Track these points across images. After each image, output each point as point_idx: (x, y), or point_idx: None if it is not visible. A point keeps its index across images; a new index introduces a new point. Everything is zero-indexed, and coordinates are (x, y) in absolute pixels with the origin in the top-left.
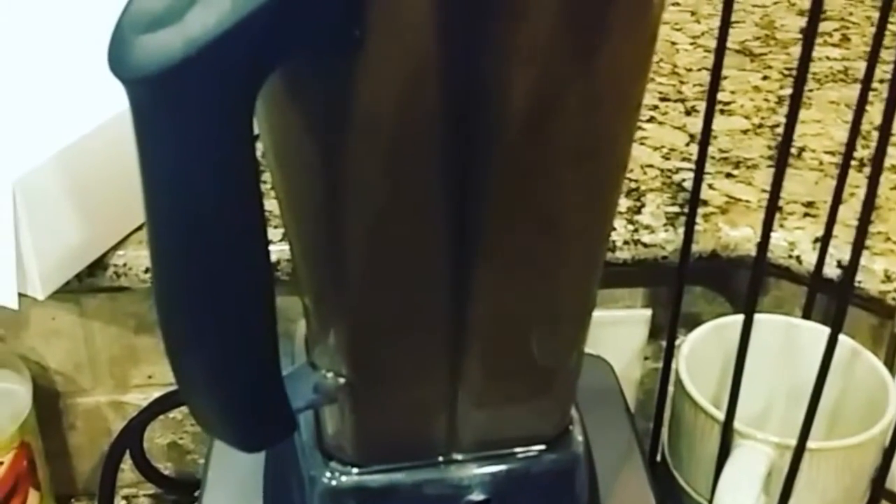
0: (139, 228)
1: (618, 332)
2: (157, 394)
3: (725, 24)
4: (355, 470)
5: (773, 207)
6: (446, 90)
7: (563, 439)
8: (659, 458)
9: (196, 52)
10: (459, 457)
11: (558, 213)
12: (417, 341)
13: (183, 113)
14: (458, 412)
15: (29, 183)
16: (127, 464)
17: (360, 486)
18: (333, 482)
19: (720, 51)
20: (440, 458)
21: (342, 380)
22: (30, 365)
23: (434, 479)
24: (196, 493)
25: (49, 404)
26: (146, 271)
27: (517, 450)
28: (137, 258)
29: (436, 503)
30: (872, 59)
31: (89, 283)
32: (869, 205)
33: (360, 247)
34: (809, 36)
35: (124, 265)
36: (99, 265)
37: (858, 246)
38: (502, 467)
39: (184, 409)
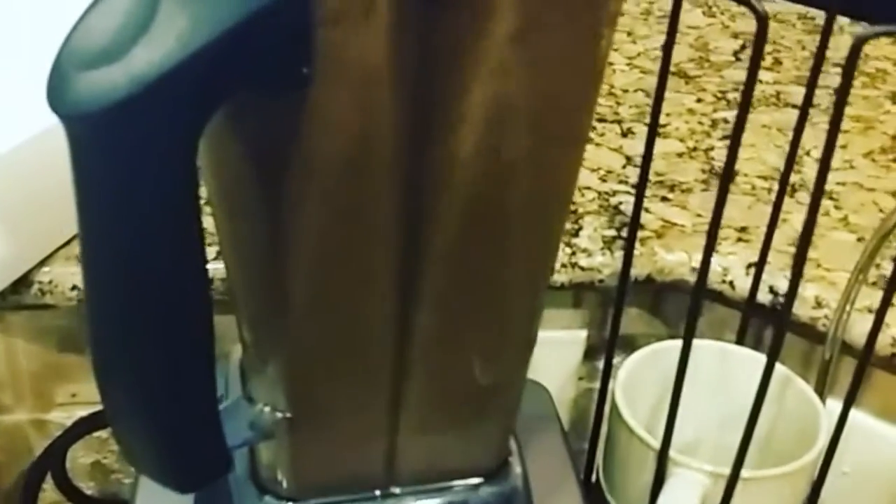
0: (65, 245)
1: (553, 352)
2: (81, 412)
3: (668, 50)
4: None
5: (711, 241)
6: (395, 130)
7: (501, 471)
8: (594, 478)
9: (141, 90)
10: (397, 490)
11: (503, 251)
12: (358, 375)
13: (124, 151)
14: (398, 445)
15: None
16: (49, 483)
17: None
18: None
19: (661, 83)
20: (378, 493)
21: (279, 414)
22: None
23: None
24: None
25: None
26: (73, 289)
27: (456, 483)
28: (63, 275)
29: None
30: (811, 85)
31: (13, 300)
32: (807, 234)
33: (302, 284)
34: (750, 78)
35: (50, 282)
36: (23, 282)
37: (796, 276)
38: (441, 500)
39: (108, 429)
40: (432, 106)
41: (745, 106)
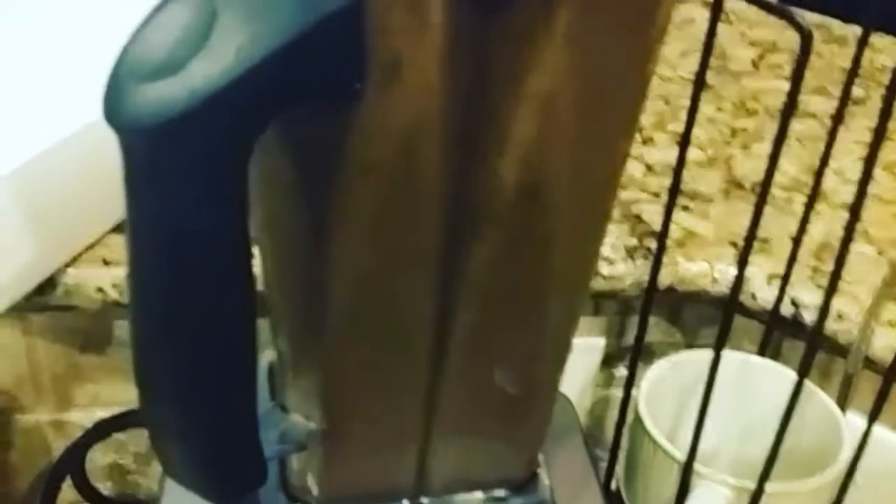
0: (90, 247)
1: (571, 359)
2: (101, 413)
3: (703, 70)
4: None
5: (745, 256)
6: (444, 146)
7: (530, 483)
8: (614, 486)
9: (199, 104)
10: (426, 501)
11: (543, 268)
12: (394, 387)
13: (180, 164)
14: (429, 455)
15: None
16: (67, 483)
17: None
18: None
19: (695, 101)
20: (407, 502)
21: (313, 425)
22: None
23: None
24: None
25: None
26: (98, 291)
27: (485, 494)
28: (89, 277)
29: None
30: (843, 101)
31: (38, 301)
32: (843, 253)
33: (343, 299)
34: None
35: (75, 284)
36: (48, 283)
37: (830, 293)
38: None
39: (127, 431)
40: (483, 121)
41: (784, 124)
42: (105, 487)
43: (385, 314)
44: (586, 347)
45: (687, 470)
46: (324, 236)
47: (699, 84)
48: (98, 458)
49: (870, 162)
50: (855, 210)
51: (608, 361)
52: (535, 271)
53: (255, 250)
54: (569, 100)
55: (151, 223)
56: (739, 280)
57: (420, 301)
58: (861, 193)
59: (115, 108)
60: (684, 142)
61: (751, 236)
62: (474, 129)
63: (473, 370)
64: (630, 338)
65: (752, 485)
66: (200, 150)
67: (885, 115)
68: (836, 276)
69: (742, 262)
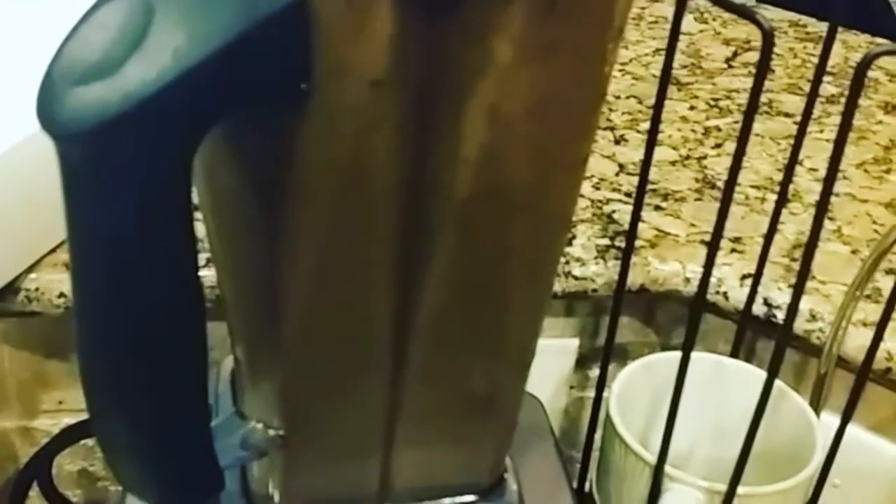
0: (52, 252)
1: (545, 361)
2: (67, 419)
3: (668, 62)
4: None
5: (712, 256)
6: (394, 147)
7: (497, 488)
8: (587, 488)
9: (134, 108)
10: None
11: (503, 274)
12: (354, 393)
13: (117, 170)
14: (393, 462)
15: None
16: (35, 491)
17: None
18: None
19: (661, 96)
20: None
21: (273, 431)
22: None
23: None
24: None
25: None
26: (59, 296)
27: (451, 500)
28: (50, 282)
29: None
30: (811, 98)
31: (1, 306)
32: (810, 251)
33: (297, 304)
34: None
35: (37, 289)
36: (10, 289)
37: (797, 294)
38: None
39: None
40: (434, 123)
41: (748, 123)
42: (74, 495)
43: (341, 319)
44: (560, 349)
45: (658, 472)
46: (274, 242)
47: (664, 81)
48: (67, 464)
49: (835, 159)
50: (821, 207)
51: (582, 363)
52: (493, 275)
53: (204, 255)
54: (523, 101)
55: (90, 230)
56: (706, 279)
57: (377, 306)
58: (827, 191)
59: (48, 112)
60: (651, 140)
61: (717, 236)
62: (426, 131)
63: (435, 376)
64: (603, 339)
65: (723, 487)
66: (137, 155)
67: (848, 111)
68: (803, 274)
69: (709, 262)
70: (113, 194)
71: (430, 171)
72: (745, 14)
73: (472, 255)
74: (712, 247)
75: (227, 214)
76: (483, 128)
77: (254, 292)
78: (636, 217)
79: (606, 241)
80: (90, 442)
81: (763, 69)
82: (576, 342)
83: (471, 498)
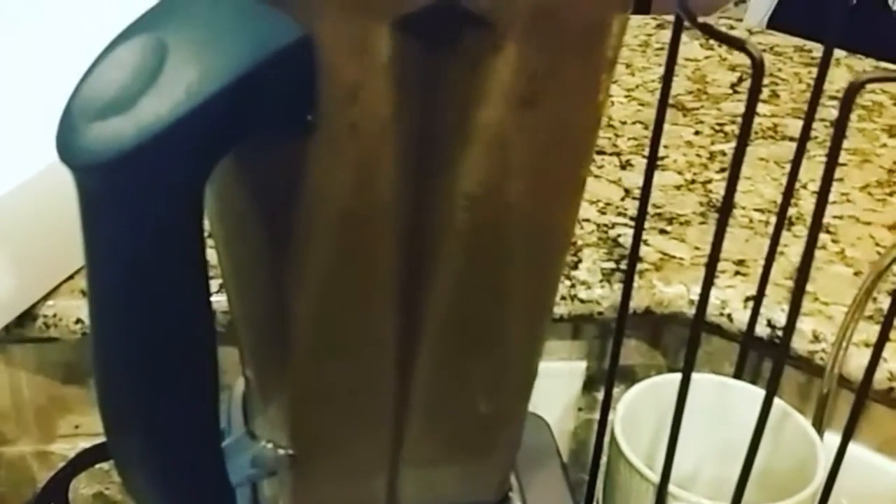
0: (69, 278)
1: (552, 384)
2: (84, 444)
3: (667, 83)
4: None
5: (710, 275)
6: (398, 176)
7: None
8: None
9: (149, 140)
10: None
11: (504, 294)
12: (361, 413)
13: (133, 201)
14: (399, 481)
15: None
16: None
17: None
18: None
19: (660, 117)
20: None
21: (282, 451)
22: None
23: None
24: None
25: None
26: (77, 322)
27: None
28: (68, 308)
29: None
30: (808, 120)
31: (17, 333)
32: (805, 269)
33: (305, 326)
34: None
35: (54, 315)
36: (28, 315)
37: (794, 311)
38: None
39: (111, 461)
40: (435, 153)
41: (741, 147)
42: None
43: (347, 343)
44: (567, 371)
45: (661, 492)
46: (283, 267)
47: (663, 103)
48: (83, 488)
49: (827, 179)
50: (815, 223)
51: (590, 385)
52: (495, 299)
53: (215, 281)
54: (520, 133)
55: (107, 257)
56: (704, 300)
57: (382, 329)
58: (819, 213)
59: (67, 145)
60: (651, 163)
61: (714, 257)
62: (428, 160)
63: (439, 397)
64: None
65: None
66: (152, 186)
67: (838, 133)
68: (798, 293)
69: (707, 282)
70: (128, 223)
71: (431, 198)
72: (736, 44)
73: (473, 281)
74: (710, 267)
75: (236, 240)
76: (483, 158)
77: (263, 316)
78: (638, 239)
79: (612, 265)
80: (106, 465)
81: (754, 95)
82: (583, 364)
83: None
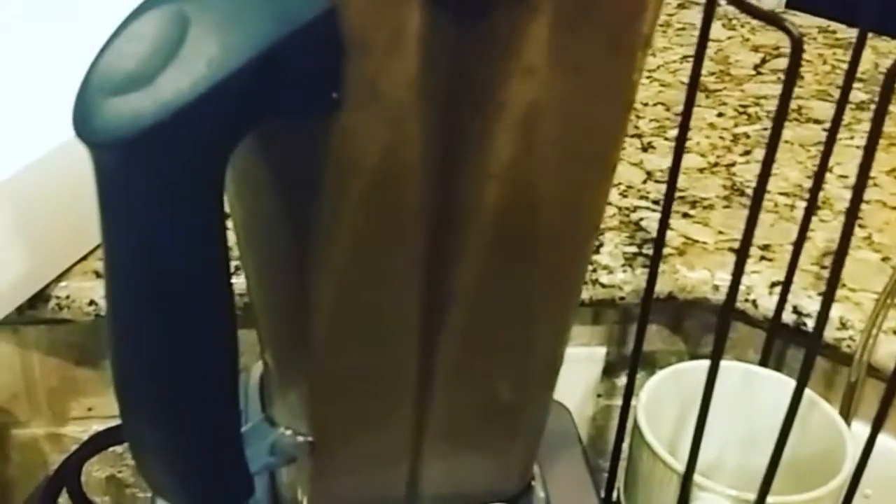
0: (82, 259)
1: (572, 369)
2: (96, 426)
3: (697, 69)
4: None
5: (741, 263)
6: (424, 156)
7: (524, 496)
8: (615, 497)
9: (168, 118)
10: None
11: (531, 277)
12: (382, 399)
13: (151, 179)
14: (421, 468)
15: None
16: (64, 497)
17: None
18: None
19: (689, 102)
20: None
21: (301, 438)
22: None
23: None
24: None
25: None
26: (90, 303)
27: None
28: (81, 290)
29: None
30: (841, 105)
31: (30, 314)
32: (840, 259)
33: (327, 310)
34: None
35: (67, 297)
36: (40, 297)
37: (827, 301)
38: None
39: (124, 444)
40: (462, 131)
41: (777, 129)
42: (103, 501)
43: (369, 326)
44: (587, 357)
45: (686, 482)
46: (305, 248)
47: (693, 87)
48: (96, 471)
49: (865, 167)
50: (852, 214)
51: (610, 371)
52: (522, 283)
53: (234, 263)
54: (551, 110)
55: (124, 237)
56: (735, 287)
57: (405, 312)
58: (857, 198)
59: (84, 121)
60: (679, 147)
61: (746, 243)
62: (455, 138)
63: (462, 383)
64: (631, 347)
65: (752, 496)
66: (172, 164)
67: (878, 117)
68: (833, 282)
69: (738, 270)
70: (146, 202)
71: (459, 178)
72: (775, 21)
73: (500, 263)
74: (741, 254)
75: (258, 219)
76: (512, 136)
77: (283, 298)
78: (664, 224)
79: (634, 249)
80: (119, 448)
81: (792, 76)
82: (603, 350)
83: None
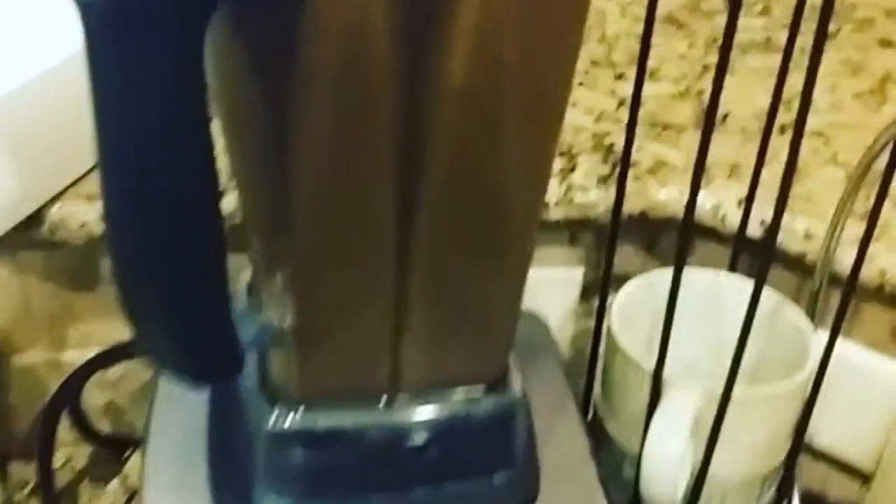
0: (76, 182)
1: (551, 291)
2: (95, 352)
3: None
4: (300, 413)
5: (701, 160)
6: (391, 35)
7: (501, 383)
8: (590, 416)
9: None
10: (402, 398)
11: (499, 157)
12: (362, 279)
13: (134, 36)
14: (401, 352)
15: None
16: (63, 425)
17: (305, 430)
18: (278, 426)
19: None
20: (383, 400)
21: (287, 319)
22: None
23: (377, 421)
24: (128, 453)
25: None
26: (82, 226)
27: (457, 391)
28: (73, 213)
29: (379, 445)
30: (794, 28)
31: (26, 236)
32: (791, 164)
33: (306, 184)
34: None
35: (61, 219)
36: (35, 219)
37: (784, 192)
38: (443, 409)
39: (120, 368)
40: (428, 11)
41: (725, 52)
42: (102, 428)
43: (345, 209)
44: (565, 279)
45: (656, 379)
46: (281, 133)
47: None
48: (94, 398)
49: (810, 79)
50: (800, 120)
51: (588, 293)
52: (492, 164)
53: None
54: None
55: (109, 96)
56: (696, 184)
57: (379, 196)
58: (803, 109)
59: None
60: (645, 39)
61: (702, 155)
62: (421, 21)
63: (437, 266)
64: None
65: (719, 391)
66: (153, 21)
67: (821, 28)
68: (787, 180)
69: (696, 178)
70: (130, 60)
71: (425, 54)
72: None
73: (470, 144)
74: (699, 163)
75: (235, 99)
76: (475, 14)
77: (263, 175)
78: (631, 131)
79: (607, 170)
80: (115, 375)
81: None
82: (580, 272)
83: (477, 389)
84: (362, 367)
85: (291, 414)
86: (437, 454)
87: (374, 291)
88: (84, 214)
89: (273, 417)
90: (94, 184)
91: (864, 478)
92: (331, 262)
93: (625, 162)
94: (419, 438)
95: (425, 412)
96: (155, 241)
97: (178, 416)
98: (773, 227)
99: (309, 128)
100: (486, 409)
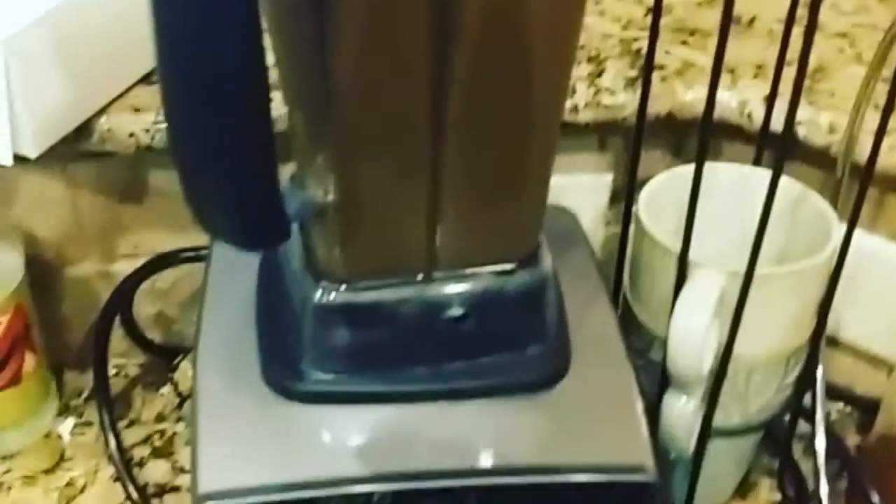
0: (124, 94)
1: (579, 197)
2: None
3: None
4: (343, 288)
5: (722, 44)
6: None
7: (532, 259)
8: (620, 310)
9: None
10: (439, 274)
11: (527, 36)
12: (399, 154)
13: None
14: (437, 227)
15: (18, 43)
16: (115, 335)
17: (348, 303)
18: (324, 300)
19: None
20: (421, 276)
21: (329, 197)
22: (20, 234)
23: (415, 295)
24: (178, 360)
25: (39, 274)
26: (130, 135)
27: (491, 268)
28: (123, 123)
29: (417, 318)
30: None
31: (76, 147)
32: (806, 50)
33: (345, 55)
34: None
35: (108, 130)
36: (84, 130)
37: (801, 74)
38: (477, 283)
39: (170, 279)
40: None
41: None
42: (153, 336)
43: (382, 87)
44: (594, 185)
45: (682, 260)
46: (321, 21)
47: None
48: (144, 308)
49: None
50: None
51: (617, 198)
52: (520, 38)
53: None
54: None
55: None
56: (716, 79)
57: (414, 74)
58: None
59: None
60: None
61: (721, 50)
62: None
63: (470, 143)
64: (637, 174)
65: (742, 270)
66: None
67: None
68: (803, 67)
69: (715, 72)
70: None
71: None
72: None
73: (498, 21)
74: (718, 58)
75: None
76: None
77: (303, 59)
78: (655, 29)
79: (634, 73)
80: (165, 285)
81: None
82: (610, 177)
83: (509, 266)
84: (401, 242)
85: (335, 290)
86: (472, 327)
87: (411, 167)
88: (132, 124)
89: (318, 293)
90: (141, 96)
91: (890, 368)
92: (369, 139)
93: (649, 58)
94: (455, 311)
95: (460, 286)
96: (205, 110)
97: (231, 297)
98: (792, 109)
99: (345, 17)
100: (518, 283)
